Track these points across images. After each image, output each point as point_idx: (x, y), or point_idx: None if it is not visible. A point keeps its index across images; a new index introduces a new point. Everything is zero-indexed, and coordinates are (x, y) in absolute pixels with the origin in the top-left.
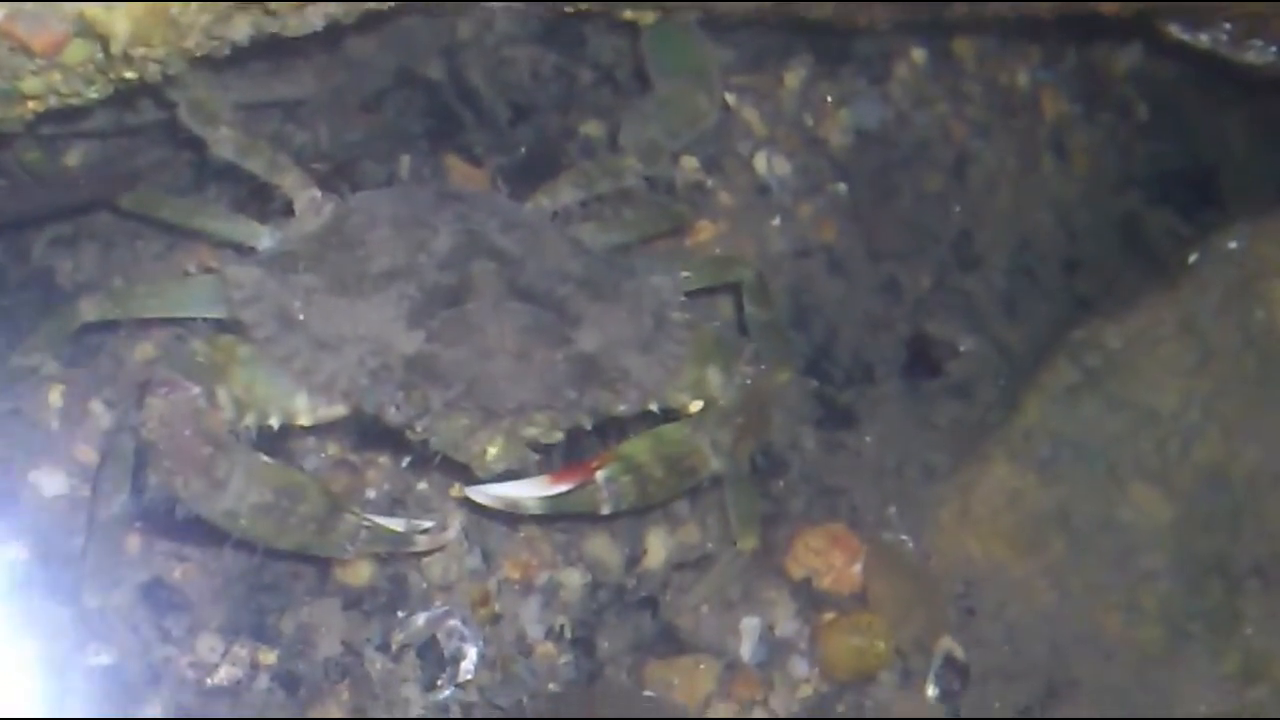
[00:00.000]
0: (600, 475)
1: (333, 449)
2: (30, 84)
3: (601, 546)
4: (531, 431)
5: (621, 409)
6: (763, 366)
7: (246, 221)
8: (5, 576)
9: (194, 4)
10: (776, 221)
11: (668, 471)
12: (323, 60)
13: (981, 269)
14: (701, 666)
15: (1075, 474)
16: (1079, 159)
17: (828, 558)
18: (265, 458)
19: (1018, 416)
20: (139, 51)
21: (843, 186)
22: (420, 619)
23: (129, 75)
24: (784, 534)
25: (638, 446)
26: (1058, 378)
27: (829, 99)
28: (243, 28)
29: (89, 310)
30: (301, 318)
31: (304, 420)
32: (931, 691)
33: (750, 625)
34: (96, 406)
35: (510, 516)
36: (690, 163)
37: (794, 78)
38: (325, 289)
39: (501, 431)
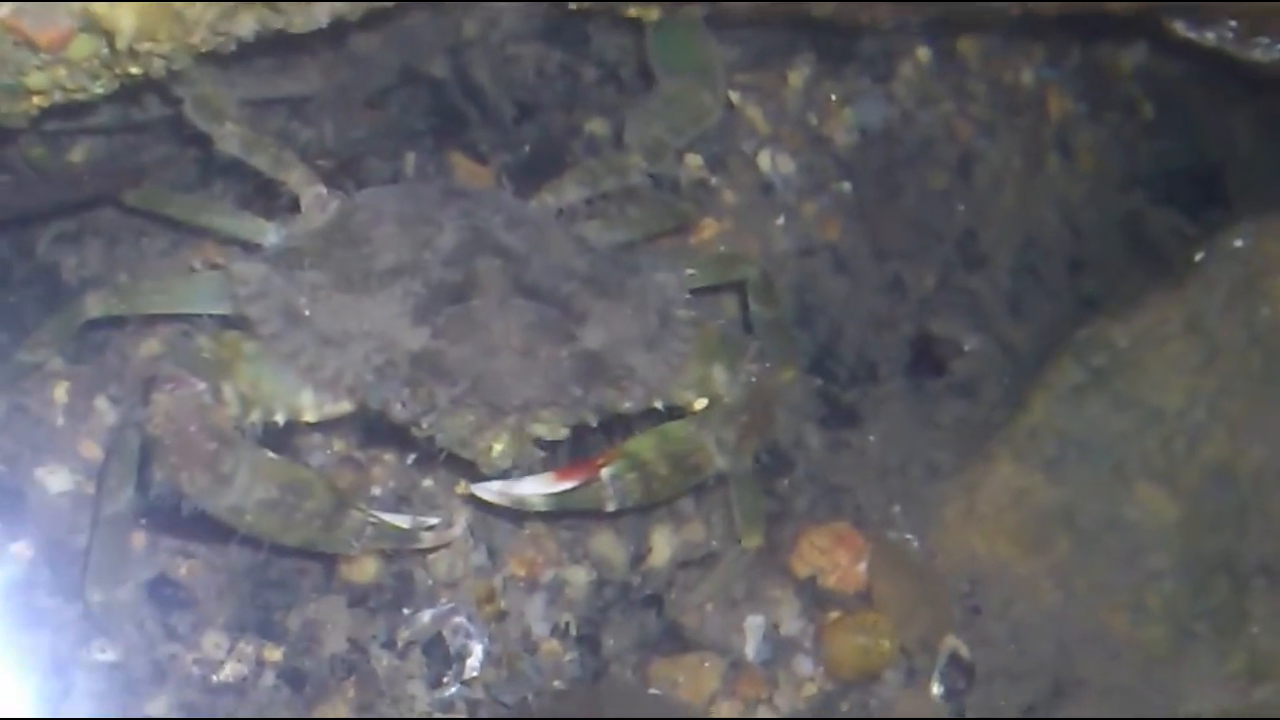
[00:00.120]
0: (605, 473)
1: (338, 445)
2: (35, 79)
3: (607, 544)
4: (537, 428)
5: (627, 406)
6: (767, 365)
7: (252, 218)
8: (10, 573)
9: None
10: (781, 220)
11: (673, 469)
12: (328, 57)
13: (986, 268)
14: (706, 665)
15: (1081, 473)
16: (1084, 157)
17: (832, 556)
18: (271, 454)
19: (1023, 415)
20: (144, 47)
21: (847, 185)
22: (426, 616)
23: (134, 71)
24: (789, 532)
25: (643, 444)
26: (1063, 376)
27: (833, 97)
28: (248, 24)
29: (94, 306)
30: (307, 314)
31: (309, 417)
32: (936, 690)
33: (755, 623)
34: (101, 403)
35: (516, 513)
36: (695, 161)
37: (798, 76)
38: (331, 285)
39: (507, 428)
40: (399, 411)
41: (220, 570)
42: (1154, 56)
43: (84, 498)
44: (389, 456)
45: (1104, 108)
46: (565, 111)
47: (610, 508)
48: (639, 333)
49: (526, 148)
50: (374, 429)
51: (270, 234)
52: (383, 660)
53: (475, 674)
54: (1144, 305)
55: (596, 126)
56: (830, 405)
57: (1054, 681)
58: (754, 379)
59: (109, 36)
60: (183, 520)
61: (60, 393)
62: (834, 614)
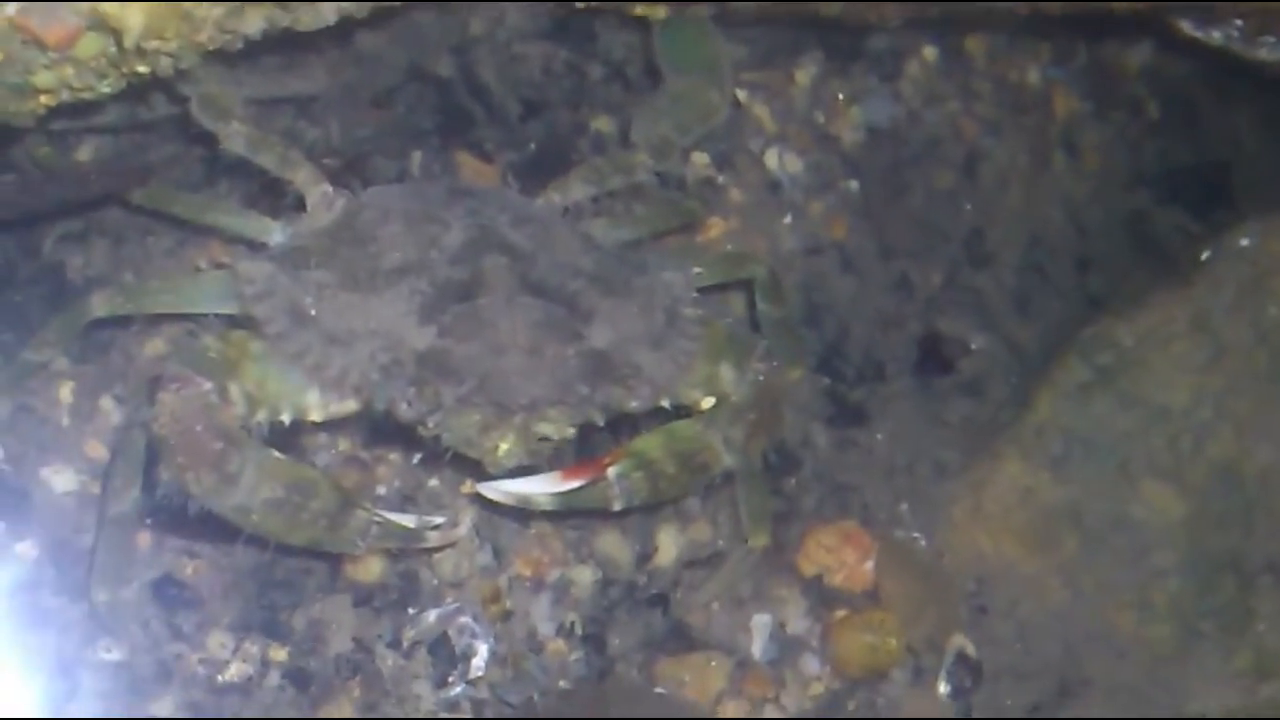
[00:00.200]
0: (612, 471)
1: (344, 445)
2: (43, 78)
3: (613, 543)
4: (543, 428)
5: (633, 405)
6: (775, 364)
7: (258, 217)
8: (15, 572)
9: None
10: (787, 219)
11: (679, 468)
12: (335, 55)
13: (993, 266)
14: (712, 664)
15: (1087, 471)
16: (1090, 156)
17: (839, 555)
18: (277, 453)
19: (1029, 414)
20: (152, 45)
21: (854, 184)
22: (431, 616)
23: (141, 69)
24: (795, 531)
25: (649, 443)
26: (1069, 375)
27: (840, 96)
28: (255, 22)
29: (100, 306)
30: (313, 313)
31: (315, 416)
32: (943, 689)
33: (761, 622)
34: (107, 403)
35: (521, 513)
36: (701, 159)
37: (805, 75)
38: (337, 284)
39: (513, 427)
40: (405, 411)
41: (225, 570)
42: (1160, 56)
43: (89, 497)
44: (394, 456)
45: (1110, 107)
46: (571, 110)
47: (616, 507)
48: (646, 331)
49: (532, 146)
50: (380, 428)
51: (276, 233)
52: (388, 660)
53: (480, 674)
54: (1150, 304)
55: (603, 125)
56: (837, 404)
57: (1060, 680)
58: (761, 378)
59: (116, 35)
60: (188, 520)
61: (65, 392)
62: (841, 613)
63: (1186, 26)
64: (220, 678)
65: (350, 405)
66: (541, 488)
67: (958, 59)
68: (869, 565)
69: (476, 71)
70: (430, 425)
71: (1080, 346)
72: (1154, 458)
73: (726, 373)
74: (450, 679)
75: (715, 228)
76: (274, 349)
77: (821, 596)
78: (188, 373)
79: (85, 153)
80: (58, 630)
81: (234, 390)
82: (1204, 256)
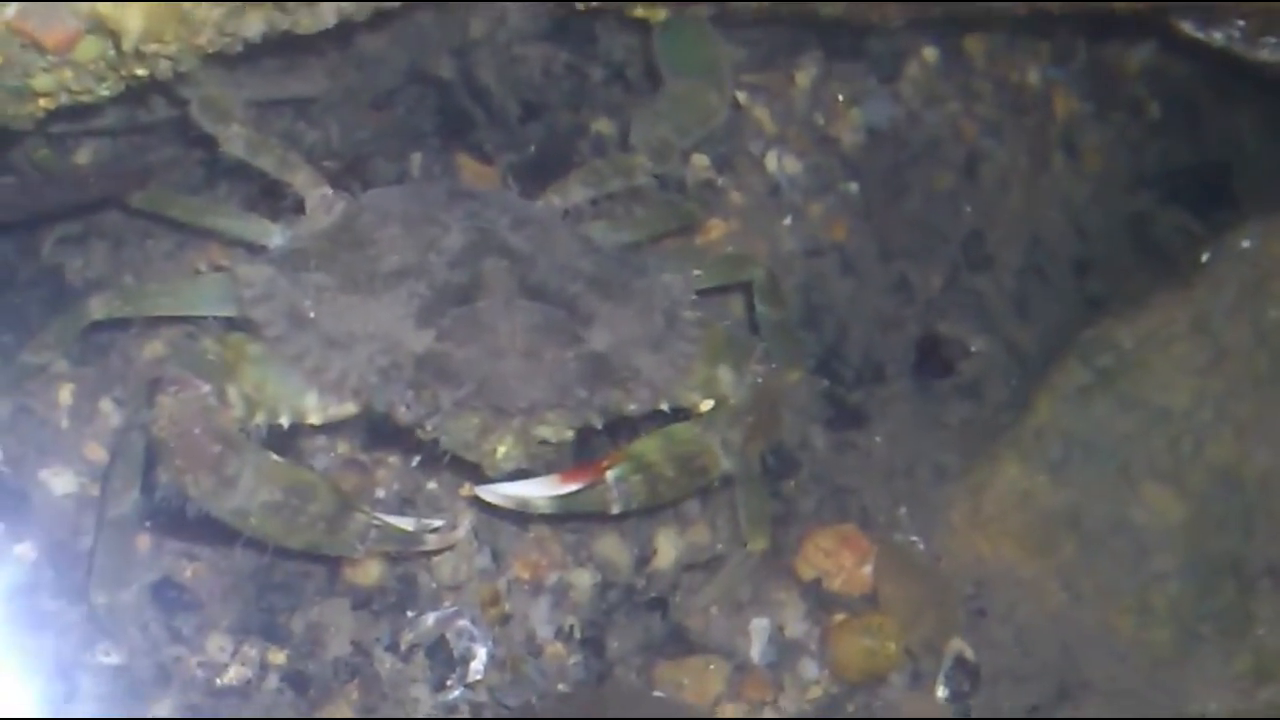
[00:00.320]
0: (610, 475)
1: (343, 448)
2: (41, 81)
3: (611, 547)
4: (542, 431)
5: (632, 408)
6: (773, 366)
7: (257, 220)
8: (14, 575)
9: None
10: (787, 220)
11: (678, 471)
12: (334, 58)
13: (993, 268)
14: (711, 667)
15: (1087, 474)
16: (1091, 158)
17: (838, 559)
18: (275, 456)
19: (1029, 416)
20: (151, 48)
21: (854, 185)
22: (430, 619)
23: (140, 72)
24: (794, 535)
25: (648, 446)
26: (1069, 377)
27: (840, 97)
28: (255, 24)
29: (99, 308)
30: (312, 316)
31: (314, 419)
32: (942, 693)
33: (760, 626)
34: (106, 405)
35: (520, 516)
36: (701, 161)
37: (805, 76)
38: (336, 287)
39: (512, 431)
40: (403, 414)
41: (224, 573)
42: (1161, 56)
43: (88, 500)
44: (393, 459)
45: (1110, 107)
46: (571, 111)
47: (615, 510)
48: (645, 334)
49: (532, 148)
50: (379, 431)
51: (275, 236)
52: (386, 663)
53: (479, 677)
54: (1150, 306)
55: (603, 126)
56: (836, 406)
57: (1059, 684)
58: (760, 380)
59: (115, 38)
60: (187, 523)
61: (65, 395)
62: (839, 616)
63: (1187, 27)
64: (219, 680)
65: (349, 408)
66: (540, 491)
67: (958, 60)
68: (867, 569)
69: (477, 73)
70: (429, 428)
71: (1080, 349)
72: (1154, 460)
73: (725, 375)
74: (449, 682)
75: (715, 229)
76: (273, 352)
77: (820, 600)
78: (186, 375)
79: (84, 155)
80: (57, 633)
81: (232, 393)
82: (1204, 258)
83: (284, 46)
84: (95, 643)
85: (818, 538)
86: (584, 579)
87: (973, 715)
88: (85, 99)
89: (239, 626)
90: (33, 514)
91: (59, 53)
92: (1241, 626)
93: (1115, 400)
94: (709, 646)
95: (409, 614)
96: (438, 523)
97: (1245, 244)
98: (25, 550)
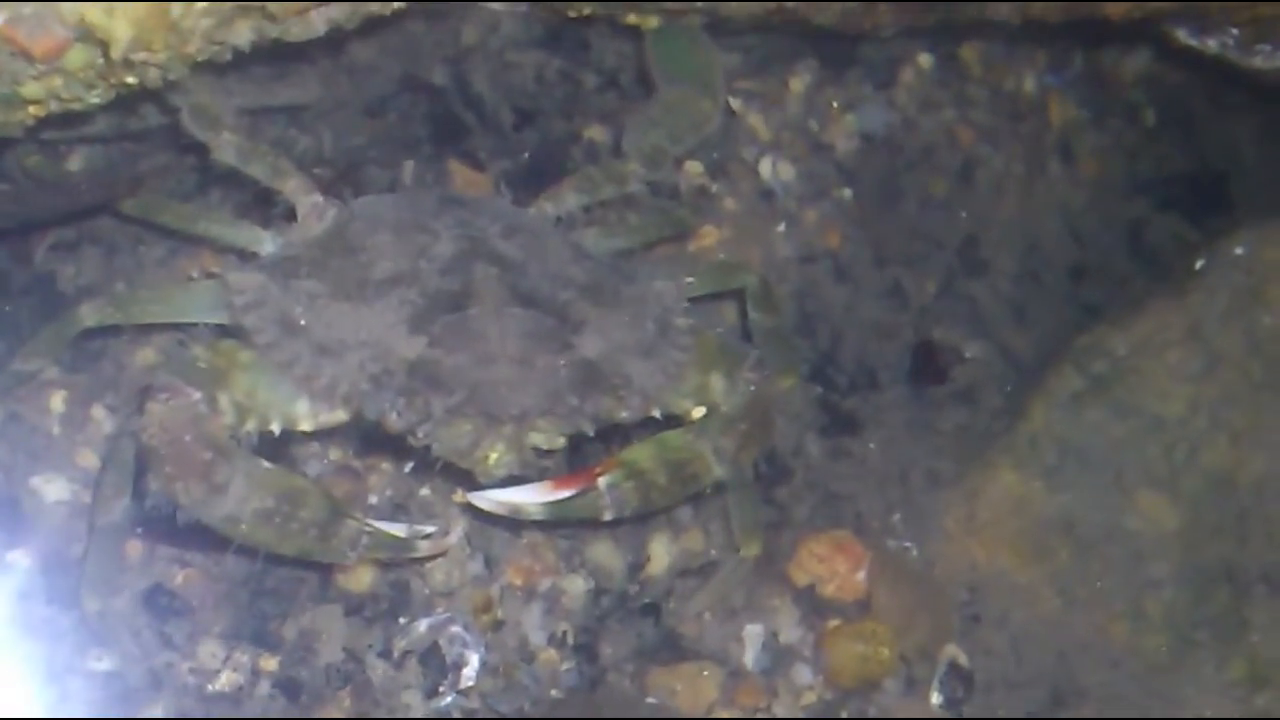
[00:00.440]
0: (602, 481)
1: (335, 454)
2: (31, 89)
3: (604, 553)
4: (534, 438)
5: (624, 415)
6: (766, 373)
7: (249, 227)
8: (6, 582)
9: (196, 7)
10: (781, 227)
11: (670, 478)
12: (326, 65)
13: (988, 275)
14: (705, 674)
15: (1081, 481)
16: (1086, 164)
17: (832, 565)
18: (266, 463)
19: (1023, 423)
20: (140, 56)
21: (848, 192)
22: (422, 625)
23: (130, 80)
24: (788, 541)
25: (640, 453)
26: (1064, 384)
27: (834, 104)
28: (244, 33)
29: (90, 315)
30: (303, 323)
31: (305, 426)
32: (936, 699)
33: (754, 632)
34: (98, 412)
35: (513, 522)
36: (695, 168)
37: (799, 83)
38: (327, 294)
39: (503, 438)
40: (395, 421)
41: (216, 579)
42: (1156, 64)
43: (80, 507)
44: (386, 465)
45: (1106, 114)
46: (564, 118)
47: (608, 516)
48: (637, 341)
49: (525, 155)
50: (371, 438)
51: (267, 243)
52: (378, 670)
53: (472, 683)
54: (1145, 312)
55: (596, 133)
56: (830, 413)
57: (1053, 690)
58: (752, 388)
59: (104, 46)
60: (179, 529)
61: (57, 401)
62: (833, 622)
63: (1182, 35)
64: (211, 687)
65: (340, 415)
66: (532, 497)
67: (953, 66)
68: (861, 575)
69: (469, 80)
70: (420, 435)
71: (1074, 355)
72: (1148, 467)
73: (717, 383)
74: (441, 688)
75: (709, 236)
76: (264, 359)
77: (814, 606)
78: (177, 382)
79: (76, 162)
80: (49, 639)
81: (223, 400)
82: (1198, 265)
83: (275, 54)
84: (87, 649)
85: (812, 544)
86: (577, 585)
87: None
88: (75, 107)
89: (231, 633)
90: (24, 521)
91: (48, 61)
92: (1236, 633)
93: (1110, 407)
94: (702, 653)
95: (401, 620)
96: (430, 529)
97: (1239, 251)
98: (17, 557)
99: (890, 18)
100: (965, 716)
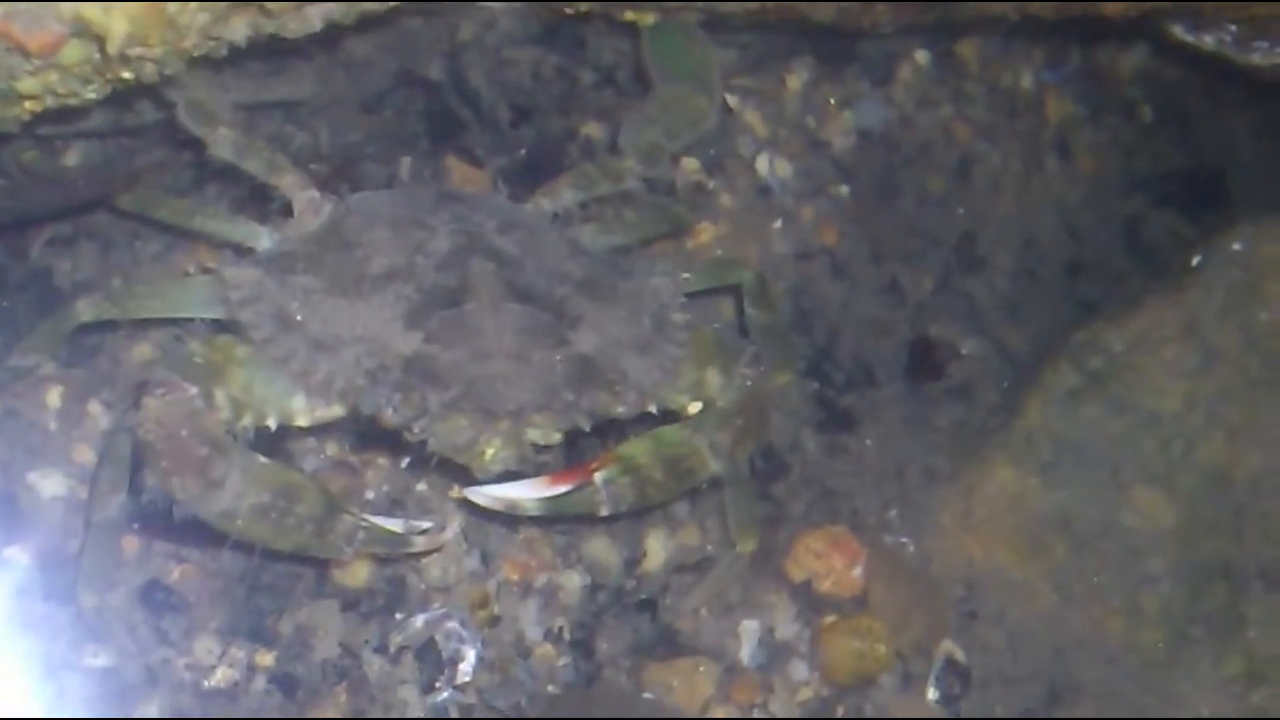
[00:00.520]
0: (599, 477)
1: (332, 449)
2: (27, 84)
3: (601, 548)
4: (530, 433)
5: (620, 411)
6: (762, 369)
7: (245, 222)
8: (3, 578)
9: (192, 4)
10: (778, 223)
11: (667, 473)
12: (323, 61)
13: (984, 271)
14: (701, 669)
15: (1077, 477)
16: (1083, 161)
17: (828, 560)
18: (263, 458)
19: (1020, 419)
20: (136, 52)
21: (845, 188)
22: (419, 620)
23: (126, 76)
24: (784, 536)
25: (637, 448)
26: (1060, 380)
27: (831, 101)
28: (240, 28)
29: (87, 311)
30: (299, 318)
31: (302, 421)
32: (932, 695)
33: (750, 628)
34: (94, 407)
35: (509, 518)
36: (691, 164)
37: (796, 79)
38: (323, 290)
39: (500, 433)
40: (391, 416)
41: (213, 575)
42: (1153, 60)
43: (77, 502)
44: (382, 460)
45: (1103, 111)
46: (561, 115)
47: (604, 512)
48: (633, 337)
49: (522, 151)
50: (367, 433)
51: (263, 238)
52: (375, 665)
53: (468, 679)
54: (1141, 309)
55: (593, 130)
56: (827, 409)
57: (1050, 686)
58: (748, 383)
59: (100, 42)
60: (175, 525)
61: (53, 397)
62: (829, 618)
63: (1179, 31)
64: (207, 683)
65: (336, 410)
66: (528, 493)
67: (950, 63)
68: (858, 571)
69: (466, 76)
70: (416, 430)
71: (1071, 351)
72: (1144, 463)
73: (713, 378)
74: (437, 684)
75: (705, 233)
76: (260, 354)
77: (810, 602)
78: (173, 378)
79: (72, 158)
80: (45, 635)
81: (219, 395)
82: (1195, 261)
83: (272, 50)
84: (83, 645)
85: (808, 540)
86: (573, 581)
87: (963, 718)
88: (71, 102)
89: (227, 628)
90: (21, 517)
91: (43, 56)
92: (1232, 629)
93: (1106, 403)
94: (699, 648)
95: (398, 616)
96: (426, 524)
97: (1236, 247)
98: (13, 553)
99: (888, 15)
100: (961, 713)
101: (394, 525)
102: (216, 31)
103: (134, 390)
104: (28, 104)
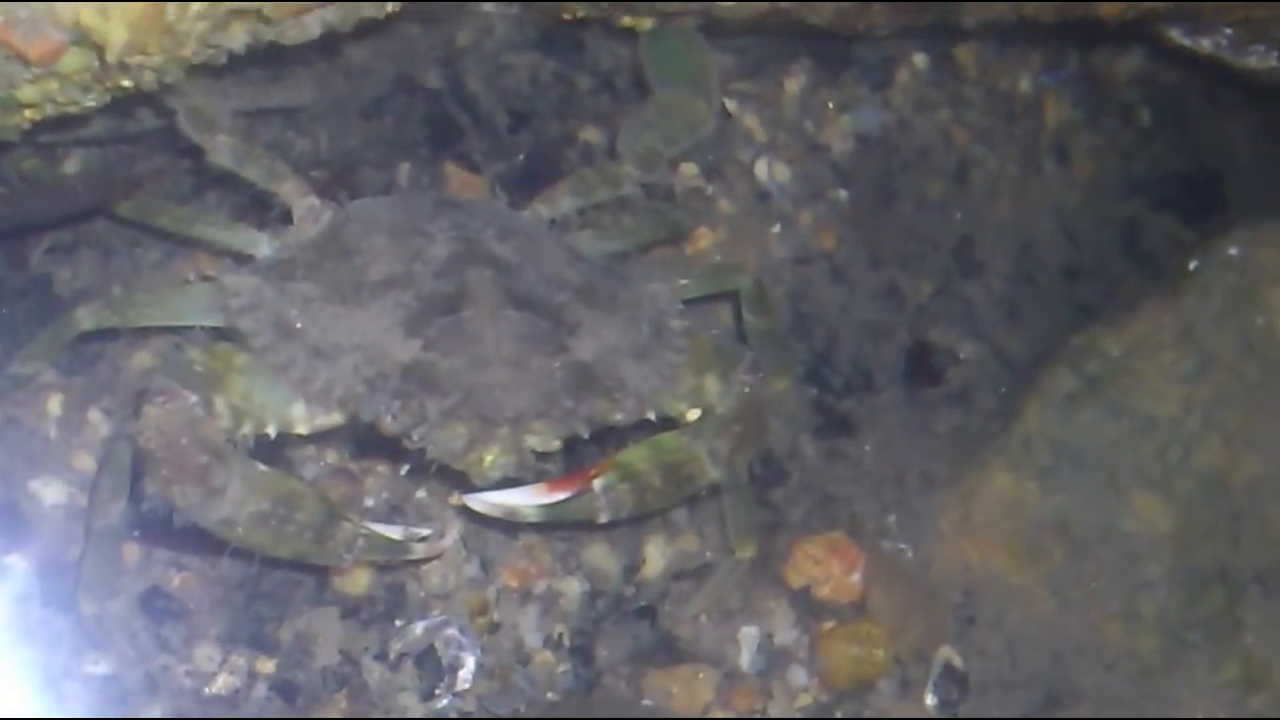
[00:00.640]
0: (598, 483)
1: (331, 457)
2: (27, 93)
3: (600, 555)
4: (529, 440)
5: (618, 417)
6: (760, 375)
7: (245, 229)
8: (3, 585)
9: (192, 10)
10: (777, 228)
11: (665, 480)
12: (322, 68)
13: (982, 276)
14: (700, 676)
15: (1075, 482)
16: (1081, 165)
17: (827, 566)
18: (262, 466)
19: (1018, 424)
20: (135, 60)
21: (843, 193)
22: (418, 628)
23: (126, 83)
24: (783, 543)
25: (635, 455)
26: (1058, 385)
27: (830, 105)
28: (239, 36)
29: (87, 319)
30: (299, 326)
31: (301, 429)
32: (930, 700)
33: (749, 634)
34: (95, 415)
35: (509, 525)
36: (690, 170)
37: (795, 84)
38: (322, 297)
39: (499, 440)
40: (390, 424)
41: (213, 582)
42: (1151, 64)
43: (77, 510)
44: (382, 468)
45: (1101, 115)
46: (559, 121)
47: (603, 519)
48: (631, 343)
49: (520, 157)
50: (367, 441)
51: (263, 245)
52: (375, 672)
53: (468, 686)
54: (1139, 313)
55: (591, 135)
56: (825, 415)
57: (1048, 691)
58: (747, 390)
59: (100, 50)
60: (175, 532)
61: (53, 405)
62: (828, 624)
63: (1176, 35)
64: (207, 690)
65: (336, 418)
66: (528, 499)
67: (948, 67)
68: (856, 577)
69: (464, 83)
70: (416, 438)
71: (1069, 356)
72: (1142, 468)
73: (712, 385)
74: (437, 691)
75: (704, 238)
76: (260, 362)
77: (809, 608)
78: (173, 386)
79: (72, 165)
80: (46, 643)
81: (219, 403)
82: (1193, 265)
83: (271, 57)
84: (84, 652)
85: (807, 546)
86: (573, 587)
87: None
88: (71, 110)
89: (227, 636)
90: (22, 524)
91: (43, 64)
92: (1230, 634)
93: (1104, 408)
94: (698, 655)
95: (397, 623)
96: (426, 531)
97: (1233, 251)
98: (14, 561)
99: (885, 18)
100: (960, 718)
101: (393, 532)
102: (216, 39)
103: (134, 398)
104: (27, 112)
